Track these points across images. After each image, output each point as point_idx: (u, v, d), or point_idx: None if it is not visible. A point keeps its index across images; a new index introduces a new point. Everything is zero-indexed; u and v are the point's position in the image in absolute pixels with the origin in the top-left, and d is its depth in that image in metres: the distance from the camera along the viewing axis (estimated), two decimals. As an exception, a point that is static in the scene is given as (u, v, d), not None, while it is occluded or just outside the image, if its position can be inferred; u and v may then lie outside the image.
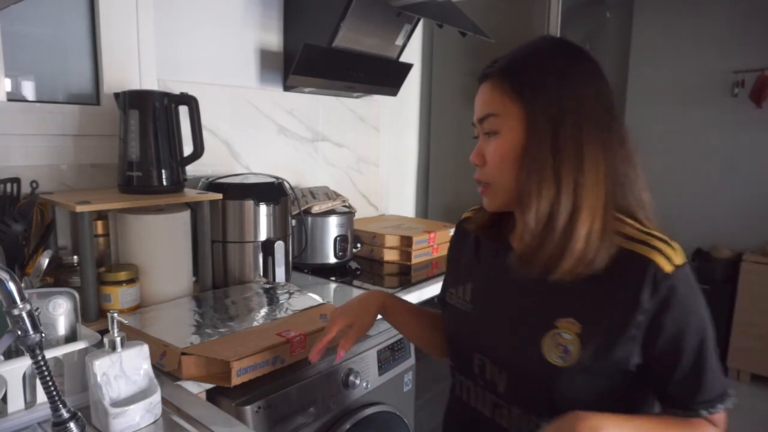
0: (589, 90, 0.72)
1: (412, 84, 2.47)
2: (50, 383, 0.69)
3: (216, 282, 1.45)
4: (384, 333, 1.36)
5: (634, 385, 0.74)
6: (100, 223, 1.35)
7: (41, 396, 0.83)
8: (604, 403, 0.70)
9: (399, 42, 1.94)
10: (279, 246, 1.47)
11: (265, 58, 1.82)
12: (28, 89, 1.36)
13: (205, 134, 1.47)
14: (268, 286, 1.43)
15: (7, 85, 1.29)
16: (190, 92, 1.42)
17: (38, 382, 0.77)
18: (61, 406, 0.70)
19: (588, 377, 0.71)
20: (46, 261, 1.15)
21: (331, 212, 1.76)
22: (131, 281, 1.22)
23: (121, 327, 1.04)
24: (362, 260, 1.91)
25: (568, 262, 0.69)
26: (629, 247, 0.70)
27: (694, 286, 0.70)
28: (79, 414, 0.72)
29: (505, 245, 0.82)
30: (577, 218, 0.69)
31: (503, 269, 0.79)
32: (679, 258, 0.70)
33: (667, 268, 0.68)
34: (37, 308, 0.87)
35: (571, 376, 0.71)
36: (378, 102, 2.27)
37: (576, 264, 0.69)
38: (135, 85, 1.48)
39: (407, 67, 2.02)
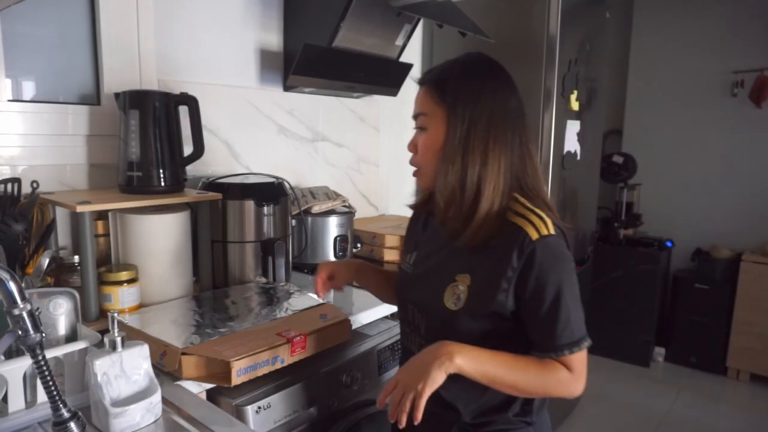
0: (499, 100, 0.91)
1: (412, 84, 2.47)
2: (51, 383, 0.69)
3: (216, 282, 1.45)
4: (384, 333, 1.36)
5: (514, 329, 0.90)
6: (100, 223, 1.35)
7: (42, 396, 0.84)
8: (491, 342, 0.88)
9: (399, 42, 1.94)
10: (279, 246, 1.47)
11: (265, 58, 1.82)
12: (29, 89, 1.36)
13: (205, 134, 1.47)
14: (268, 286, 1.44)
15: (7, 85, 1.29)
16: (190, 92, 1.42)
17: (39, 382, 0.77)
18: (61, 405, 0.70)
19: (474, 319, 0.90)
20: (47, 261, 1.15)
21: (331, 212, 1.76)
22: (131, 281, 1.22)
23: (122, 327, 1.04)
24: (362, 260, 1.91)
25: (468, 235, 0.89)
26: (513, 219, 0.88)
27: (555, 252, 0.87)
28: (80, 414, 0.72)
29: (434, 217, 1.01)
30: (478, 202, 0.88)
31: (434, 237, 1.02)
32: (546, 230, 0.86)
33: (534, 236, 0.86)
34: (38, 308, 0.87)
35: (462, 318, 0.90)
36: (378, 102, 2.27)
37: (473, 237, 0.89)
38: (135, 85, 1.48)
39: (407, 67, 2.02)
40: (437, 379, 0.82)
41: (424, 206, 1.07)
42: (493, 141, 0.89)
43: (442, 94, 0.91)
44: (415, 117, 0.96)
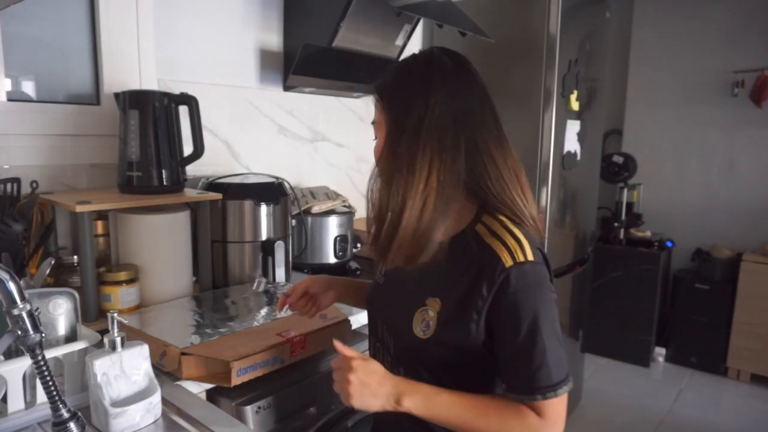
0: (433, 102, 0.79)
1: (412, 84, 2.47)
2: (50, 383, 0.69)
3: (216, 282, 1.45)
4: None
5: (488, 359, 0.82)
6: (100, 223, 1.35)
7: (41, 396, 0.83)
8: (462, 373, 0.82)
9: (399, 42, 1.94)
10: (279, 246, 1.47)
11: (265, 58, 1.82)
12: (28, 89, 1.36)
13: (205, 134, 1.47)
14: (268, 286, 1.43)
15: (7, 85, 1.29)
16: (190, 92, 1.42)
17: (38, 382, 0.77)
18: (61, 406, 0.70)
19: (443, 350, 0.82)
20: (48, 270, 1.15)
21: (331, 212, 1.76)
22: (131, 281, 1.22)
23: (121, 327, 1.04)
24: (362, 260, 1.91)
25: (392, 254, 0.80)
26: (489, 241, 0.80)
27: (531, 281, 0.76)
28: (79, 414, 0.72)
29: None
30: (402, 214, 0.78)
31: None
32: (521, 256, 0.77)
33: (508, 262, 0.76)
34: (37, 308, 0.87)
35: (431, 348, 0.82)
36: (378, 102, 2.27)
37: (396, 256, 0.80)
38: (135, 85, 1.48)
39: (407, 67, 2.01)
40: (370, 407, 0.77)
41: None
42: (423, 148, 0.78)
43: (380, 99, 0.85)
44: (372, 123, 0.90)
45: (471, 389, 0.80)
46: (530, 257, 0.78)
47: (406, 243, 0.79)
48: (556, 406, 0.76)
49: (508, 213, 0.83)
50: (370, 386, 0.77)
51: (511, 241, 0.78)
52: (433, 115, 0.79)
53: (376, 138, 0.89)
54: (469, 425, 0.77)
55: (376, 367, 0.79)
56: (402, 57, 1.99)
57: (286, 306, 1.07)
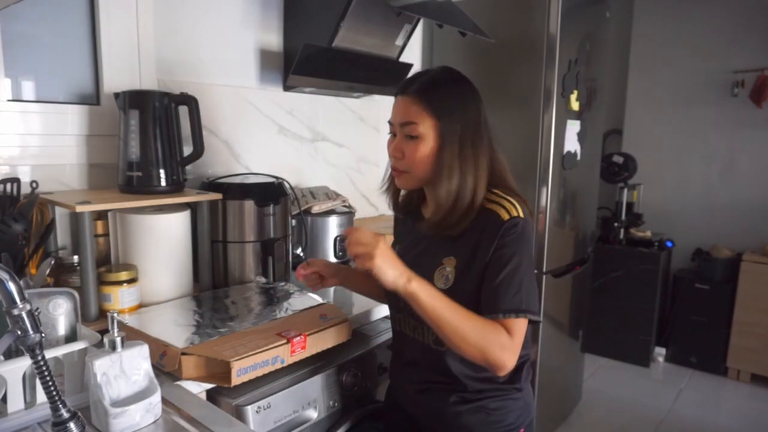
0: (474, 109, 1.01)
1: (412, 84, 2.47)
2: (50, 383, 0.69)
3: (216, 282, 1.45)
4: (384, 333, 1.36)
5: None
6: (100, 223, 1.35)
7: (41, 396, 0.83)
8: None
9: (399, 42, 1.94)
10: (279, 246, 1.47)
11: (265, 58, 1.82)
12: (28, 89, 1.36)
13: (205, 134, 1.47)
14: (268, 286, 1.43)
15: (7, 85, 1.29)
16: (190, 92, 1.42)
17: (38, 382, 0.77)
18: (61, 406, 0.70)
19: (463, 296, 0.96)
20: (48, 270, 1.15)
21: (331, 212, 1.76)
22: (131, 281, 1.22)
23: (121, 327, 1.04)
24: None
25: (460, 227, 1.00)
26: (489, 206, 1.00)
27: (520, 231, 0.97)
28: (79, 414, 0.72)
29: (414, 213, 1.13)
30: (475, 196, 0.99)
31: (413, 229, 1.12)
32: (515, 212, 0.97)
33: (505, 216, 0.97)
34: (37, 308, 0.87)
35: (451, 296, 0.94)
36: (378, 102, 2.27)
37: (461, 227, 1.00)
38: (135, 85, 1.48)
39: (407, 67, 2.01)
40: (386, 275, 0.91)
41: (401, 205, 1.16)
42: (479, 147, 1.00)
43: (429, 105, 0.98)
44: (401, 125, 1.01)
45: None
46: (521, 215, 0.98)
47: (467, 214, 0.99)
48: (521, 328, 0.95)
49: (505, 189, 1.03)
50: (392, 258, 0.93)
51: (506, 203, 0.99)
52: (481, 117, 1.02)
53: (412, 137, 1.00)
54: (455, 323, 0.91)
55: (393, 259, 0.94)
56: (401, 57, 1.99)
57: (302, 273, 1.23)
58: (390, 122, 1.05)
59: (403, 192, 1.15)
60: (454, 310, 0.92)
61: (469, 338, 0.91)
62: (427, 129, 0.99)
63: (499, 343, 0.91)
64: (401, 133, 1.02)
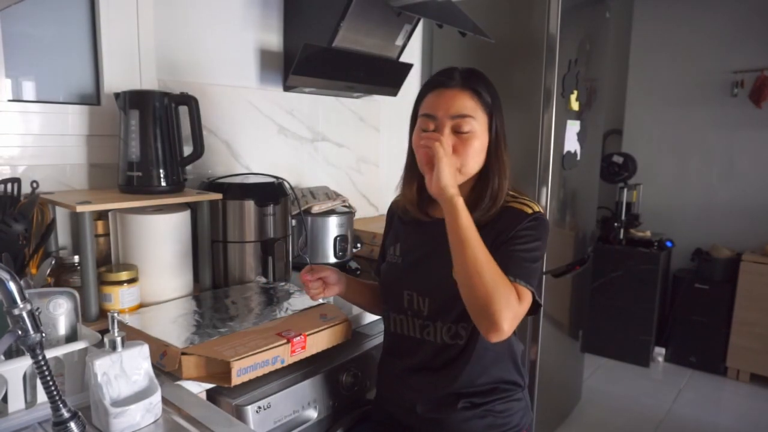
0: (502, 109, 1.06)
1: (412, 84, 2.47)
2: (51, 383, 0.69)
3: (216, 282, 1.45)
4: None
5: None
6: (100, 223, 1.35)
7: (41, 396, 0.84)
8: None
9: (399, 42, 1.94)
10: (279, 246, 1.47)
11: (265, 58, 1.82)
12: (29, 89, 1.36)
13: (205, 134, 1.47)
14: (268, 286, 1.44)
15: (7, 85, 1.29)
16: (190, 92, 1.42)
17: (39, 382, 0.77)
18: (61, 405, 0.70)
19: None
20: (48, 270, 1.15)
21: (331, 212, 1.76)
22: (131, 281, 1.22)
23: (122, 327, 1.04)
24: (362, 260, 1.91)
25: (483, 219, 1.02)
26: (511, 204, 1.04)
27: (540, 223, 1.02)
28: (80, 414, 0.72)
29: (424, 213, 1.11)
30: (504, 189, 1.04)
31: (423, 230, 1.10)
32: (537, 209, 1.03)
33: (528, 211, 1.02)
34: (38, 308, 0.87)
35: None
36: (378, 102, 2.27)
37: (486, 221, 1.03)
38: (135, 85, 1.48)
39: (407, 67, 2.02)
40: (443, 176, 0.93)
41: (414, 205, 1.13)
42: (507, 146, 1.06)
43: (481, 99, 1.01)
44: (454, 117, 1.00)
45: None
46: (540, 211, 1.03)
47: (491, 212, 1.03)
48: (526, 297, 0.94)
49: (516, 191, 1.08)
50: (454, 170, 0.97)
51: (528, 202, 1.04)
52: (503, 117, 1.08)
53: (464, 132, 1.00)
54: (478, 255, 0.91)
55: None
56: (402, 57, 1.99)
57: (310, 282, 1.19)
58: (430, 114, 1.01)
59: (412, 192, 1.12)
60: (482, 245, 0.92)
61: (484, 274, 0.89)
62: (480, 124, 1.01)
63: (507, 299, 0.89)
64: (450, 126, 1.00)
